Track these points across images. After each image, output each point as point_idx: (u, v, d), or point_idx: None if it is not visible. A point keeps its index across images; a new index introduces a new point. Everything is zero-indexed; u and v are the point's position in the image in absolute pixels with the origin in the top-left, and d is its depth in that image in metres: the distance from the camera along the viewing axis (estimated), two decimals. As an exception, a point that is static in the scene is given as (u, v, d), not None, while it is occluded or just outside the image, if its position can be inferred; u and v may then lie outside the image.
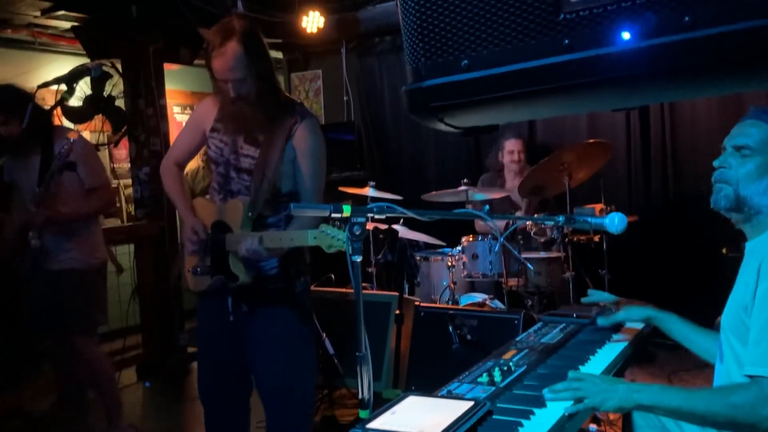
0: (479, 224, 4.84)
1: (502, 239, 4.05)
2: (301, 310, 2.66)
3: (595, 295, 2.42)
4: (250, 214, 2.51)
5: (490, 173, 5.16)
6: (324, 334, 3.80)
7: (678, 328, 2.16)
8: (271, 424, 2.69)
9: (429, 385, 1.80)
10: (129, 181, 5.75)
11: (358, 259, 1.66)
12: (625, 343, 2.23)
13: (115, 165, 6.61)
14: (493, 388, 1.75)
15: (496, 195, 4.71)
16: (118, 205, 6.79)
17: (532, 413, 1.60)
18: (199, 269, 2.63)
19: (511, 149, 4.95)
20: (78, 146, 3.36)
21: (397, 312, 3.83)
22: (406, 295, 4.21)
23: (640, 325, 2.39)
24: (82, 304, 3.46)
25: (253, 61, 2.44)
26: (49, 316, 3.45)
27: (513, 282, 4.21)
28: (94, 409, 3.65)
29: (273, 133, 2.53)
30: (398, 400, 1.63)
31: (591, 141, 4.60)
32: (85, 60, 5.19)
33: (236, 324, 2.62)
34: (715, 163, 1.83)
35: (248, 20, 2.52)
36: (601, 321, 2.31)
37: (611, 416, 3.44)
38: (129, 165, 5.54)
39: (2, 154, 3.50)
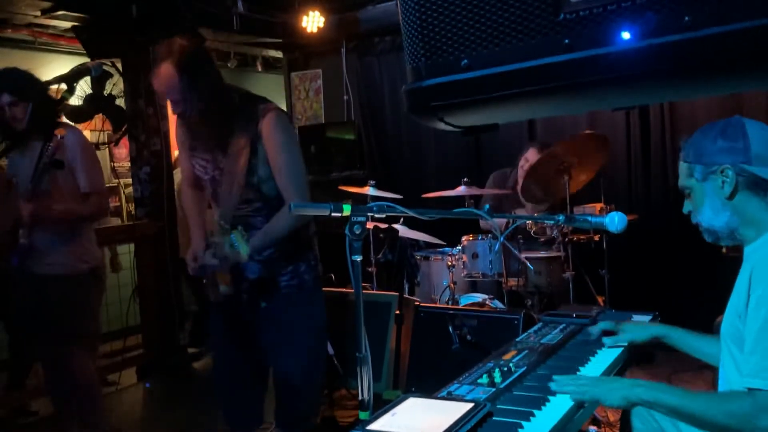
0: (483, 221, 4.78)
1: (502, 238, 4.05)
2: (311, 301, 2.73)
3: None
4: (222, 222, 2.52)
5: (503, 171, 5.06)
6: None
7: (686, 342, 2.15)
8: (281, 409, 2.75)
9: (429, 386, 1.79)
10: (129, 181, 5.76)
11: (358, 258, 1.66)
12: (625, 344, 2.22)
13: (115, 164, 6.62)
14: (493, 390, 1.75)
15: (501, 192, 4.66)
16: (118, 203, 6.80)
17: (533, 414, 1.60)
18: (205, 281, 2.70)
19: (527, 157, 4.74)
20: (75, 146, 3.22)
21: (397, 312, 3.83)
22: (406, 295, 4.21)
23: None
24: (68, 313, 3.25)
25: (192, 82, 2.44)
26: (34, 323, 3.31)
27: (513, 282, 4.20)
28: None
29: (238, 139, 2.53)
30: (398, 401, 1.63)
31: (587, 132, 4.53)
32: (85, 59, 5.19)
33: (248, 320, 2.68)
34: (684, 211, 1.92)
35: (193, 40, 2.53)
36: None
37: (611, 418, 3.44)
38: (129, 164, 5.54)
39: (8, 143, 3.31)
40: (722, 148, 1.76)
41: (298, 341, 2.67)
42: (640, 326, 2.25)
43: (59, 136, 3.14)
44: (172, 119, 6.91)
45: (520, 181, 4.83)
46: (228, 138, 2.53)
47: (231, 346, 2.79)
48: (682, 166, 1.86)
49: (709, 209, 1.81)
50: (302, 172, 2.59)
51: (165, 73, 2.44)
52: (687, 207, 1.90)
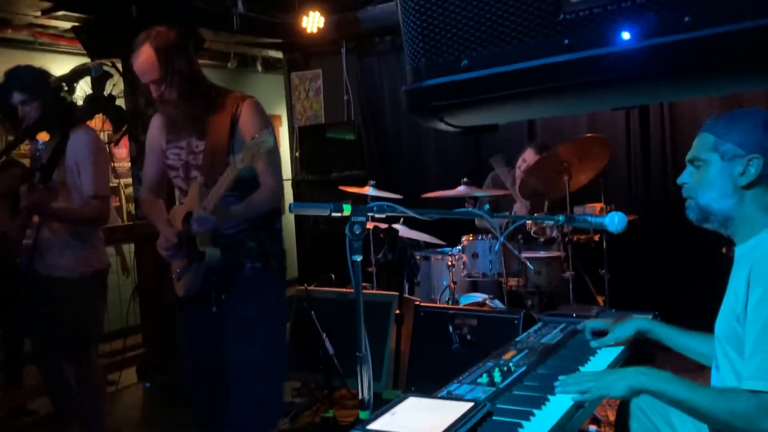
0: (479, 221, 4.78)
1: (502, 238, 4.05)
2: (272, 295, 2.73)
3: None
4: (205, 188, 2.55)
5: (501, 171, 5.05)
6: (324, 334, 3.79)
7: (668, 336, 2.15)
8: (233, 411, 2.71)
9: (429, 386, 1.80)
10: (129, 180, 5.76)
11: (359, 258, 1.66)
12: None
13: (115, 164, 6.63)
14: (493, 389, 1.75)
15: (499, 192, 4.67)
16: (118, 203, 6.80)
17: (532, 414, 1.60)
18: (179, 269, 2.71)
19: (524, 158, 4.75)
20: (82, 147, 3.20)
21: (397, 312, 3.83)
22: (406, 295, 4.21)
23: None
24: (71, 316, 3.22)
25: (169, 62, 2.53)
26: (36, 324, 3.29)
27: (513, 282, 4.20)
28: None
29: (216, 119, 2.61)
30: (398, 401, 1.63)
31: (589, 135, 4.55)
32: (85, 60, 5.19)
33: (217, 317, 2.68)
34: (679, 181, 1.87)
35: (173, 29, 2.61)
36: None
37: (611, 417, 3.44)
38: (129, 164, 5.54)
39: (13, 139, 3.29)
40: (760, 138, 1.72)
41: (252, 336, 2.65)
42: (625, 323, 2.22)
43: (39, 141, 3.12)
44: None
45: (518, 181, 4.84)
46: (205, 120, 2.62)
47: (200, 347, 2.77)
48: (707, 138, 1.79)
49: (716, 190, 1.77)
50: (279, 157, 2.71)
51: (143, 54, 2.54)
52: (685, 177, 1.85)
